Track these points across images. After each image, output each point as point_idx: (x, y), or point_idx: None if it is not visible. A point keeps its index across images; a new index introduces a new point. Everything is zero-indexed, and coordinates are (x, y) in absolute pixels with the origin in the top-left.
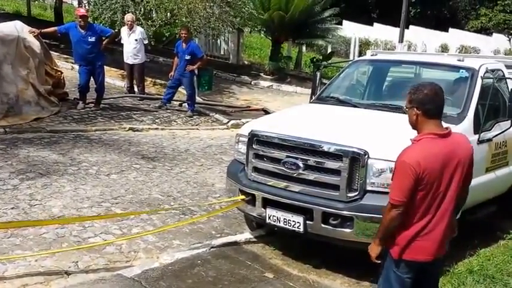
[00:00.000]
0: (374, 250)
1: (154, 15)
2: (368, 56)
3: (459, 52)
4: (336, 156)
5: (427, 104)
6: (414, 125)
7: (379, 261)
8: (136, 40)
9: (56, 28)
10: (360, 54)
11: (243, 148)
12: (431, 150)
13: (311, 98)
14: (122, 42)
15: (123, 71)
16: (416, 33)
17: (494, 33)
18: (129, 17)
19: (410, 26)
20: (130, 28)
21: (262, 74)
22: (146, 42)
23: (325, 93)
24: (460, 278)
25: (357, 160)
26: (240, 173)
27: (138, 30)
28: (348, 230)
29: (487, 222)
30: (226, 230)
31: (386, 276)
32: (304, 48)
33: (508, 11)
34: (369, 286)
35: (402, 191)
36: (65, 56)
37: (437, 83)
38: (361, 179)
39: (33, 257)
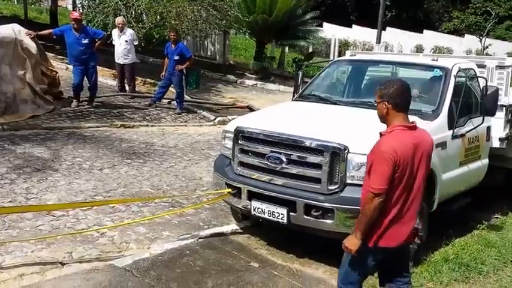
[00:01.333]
0: (355, 244)
1: (144, 18)
2: (347, 56)
3: (433, 52)
4: (318, 151)
5: (397, 98)
6: (384, 118)
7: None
8: (126, 41)
9: (51, 30)
10: (340, 55)
11: (229, 144)
12: (403, 140)
13: (293, 96)
14: (113, 43)
15: (115, 70)
16: (393, 35)
17: (466, 35)
18: (119, 19)
19: (387, 28)
20: (121, 30)
21: (247, 73)
22: (136, 43)
23: (306, 92)
24: (436, 267)
25: (337, 155)
26: (226, 167)
27: (128, 32)
28: (329, 221)
29: (462, 213)
30: (213, 222)
31: (351, 260)
32: (286, 48)
33: (479, 13)
34: None
35: (384, 179)
36: (60, 56)
37: (412, 81)
38: (341, 172)
39: (29, 248)
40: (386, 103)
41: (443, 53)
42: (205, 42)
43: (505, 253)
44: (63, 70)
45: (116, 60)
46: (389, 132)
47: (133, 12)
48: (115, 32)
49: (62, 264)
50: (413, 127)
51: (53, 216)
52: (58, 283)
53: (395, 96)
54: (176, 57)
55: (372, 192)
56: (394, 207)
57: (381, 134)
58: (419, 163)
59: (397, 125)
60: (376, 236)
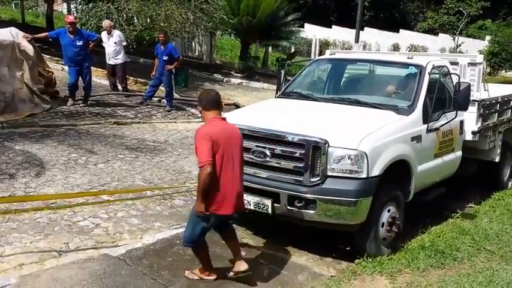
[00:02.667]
0: (201, 207)
1: (135, 21)
2: (327, 55)
3: (409, 51)
4: (300, 145)
5: (203, 101)
6: (203, 118)
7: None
8: (115, 43)
9: (47, 33)
10: (320, 54)
11: None
12: (218, 125)
13: (276, 93)
14: (103, 45)
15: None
16: (370, 34)
17: (440, 34)
18: (106, 23)
19: (365, 28)
20: (109, 32)
21: (232, 72)
22: (125, 43)
23: (289, 89)
24: (413, 254)
25: (318, 148)
26: None
27: (116, 33)
28: (311, 211)
29: (437, 202)
30: None
31: (195, 224)
32: (270, 48)
33: (452, 13)
34: (331, 261)
35: (205, 153)
36: (56, 58)
37: (389, 78)
38: (322, 165)
39: (28, 239)
40: (199, 107)
41: (419, 51)
42: (193, 43)
43: (478, 240)
44: (59, 71)
45: (107, 61)
46: (208, 123)
47: (124, 16)
48: (104, 35)
49: (59, 254)
50: (224, 119)
51: (51, 209)
52: (56, 272)
53: (202, 100)
54: (165, 58)
55: (200, 166)
56: (224, 184)
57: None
58: (236, 147)
59: (211, 117)
60: (215, 207)
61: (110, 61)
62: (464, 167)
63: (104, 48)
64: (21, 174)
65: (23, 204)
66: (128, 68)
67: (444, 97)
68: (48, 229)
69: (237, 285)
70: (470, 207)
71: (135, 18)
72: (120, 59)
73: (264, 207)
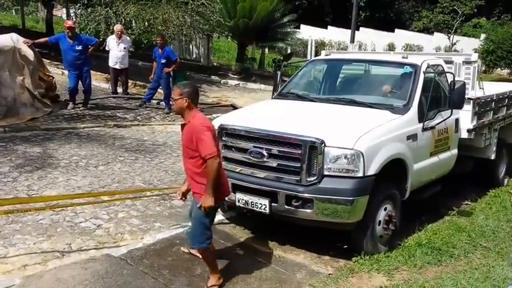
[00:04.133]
0: (209, 202)
1: (133, 25)
2: (323, 55)
3: (404, 50)
4: (296, 145)
5: (193, 94)
6: (183, 111)
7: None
8: (124, 48)
9: (47, 39)
10: (316, 54)
11: None
12: (206, 118)
13: (273, 94)
14: (107, 49)
15: (107, 74)
16: (366, 34)
17: (435, 33)
18: (118, 27)
19: (361, 28)
20: (119, 37)
21: (230, 74)
22: (131, 50)
23: (285, 90)
24: (410, 251)
25: (314, 148)
26: None
27: (127, 39)
28: (308, 210)
29: (433, 200)
30: None
31: (202, 222)
32: (266, 50)
33: (446, 12)
34: (328, 259)
35: (212, 145)
36: (56, 62)
37: (384, 78)
38: (318, 165)
39: (31, 241)
40: (187, 99)
41: (414, 50)
42: (190, 46)
43: (474, 237)
44: (59, 75)
45: (112, 65)
46: (194, 116)
47: (122, 20)
48: (112, 39)
49: (62, 254)
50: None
51: (53, 211)
52: (59, 272)
53: (192, 93)
54: (163, 61)
55: (211, 157)
56: (221, 167)
57: (184, 125)
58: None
59: (195, 110)
60: (219, 192)
61: (116, 65)
62: (460, 165)
63: (103, 52)
64: (23, 177)
65: (26, 206)
66: (129, 72)
67: (439, 96)
68: (51, 230)
69: (237, 284)
70: (466, 204)
71: (133, 22)
72: (125, 64)
73: (261, 206)
